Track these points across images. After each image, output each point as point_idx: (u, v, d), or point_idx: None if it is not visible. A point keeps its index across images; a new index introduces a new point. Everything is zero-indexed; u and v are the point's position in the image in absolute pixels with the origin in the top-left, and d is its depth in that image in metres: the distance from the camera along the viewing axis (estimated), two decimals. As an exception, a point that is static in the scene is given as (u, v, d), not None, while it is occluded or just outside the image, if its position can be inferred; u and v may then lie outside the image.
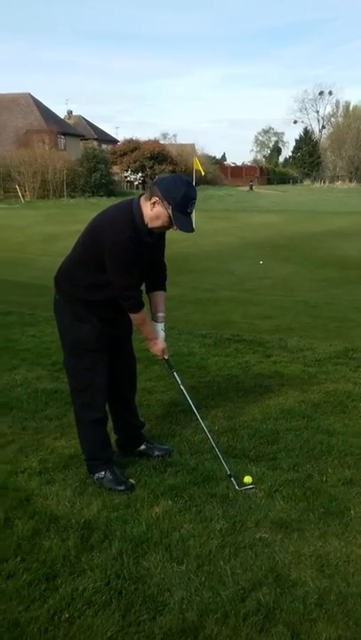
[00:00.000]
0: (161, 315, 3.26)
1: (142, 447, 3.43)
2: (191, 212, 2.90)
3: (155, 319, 3.23)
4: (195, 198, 2.88)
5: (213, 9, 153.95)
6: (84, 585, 2.33)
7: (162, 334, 3.22)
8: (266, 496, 2.96)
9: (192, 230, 2.89)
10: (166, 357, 3.24)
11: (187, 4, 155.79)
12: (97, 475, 3.12)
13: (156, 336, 3.19)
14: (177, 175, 3.08)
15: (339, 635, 2.08)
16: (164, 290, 3.33)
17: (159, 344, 3.19)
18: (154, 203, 2.84)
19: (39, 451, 3.50)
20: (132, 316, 3.05)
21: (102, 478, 3.10)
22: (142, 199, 2.92)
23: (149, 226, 2.90)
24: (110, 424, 3.39)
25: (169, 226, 2.90)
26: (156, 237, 3.01)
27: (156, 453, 3.40)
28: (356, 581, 2.35)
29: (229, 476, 3.07)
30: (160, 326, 3.23)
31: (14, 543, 2.60)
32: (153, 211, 2.86)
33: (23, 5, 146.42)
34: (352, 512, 2.82)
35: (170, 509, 2.85)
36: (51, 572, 2.42)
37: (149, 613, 2.19)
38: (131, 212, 2.90)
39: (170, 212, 2.81)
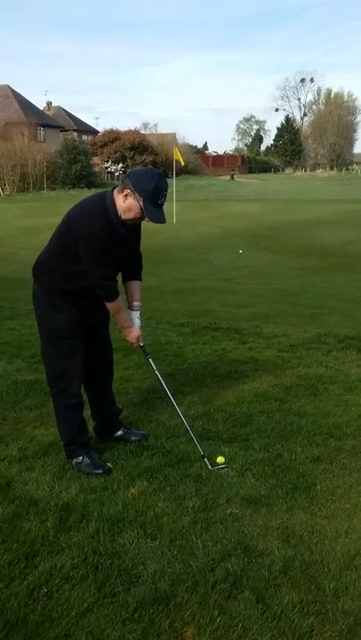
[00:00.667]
0: (137, 304, 3.36)
1: (120, 433, 3.55)
2: (162, 204, 2.99)
3: (130, 308, 3.34)
4: (165, 190, 2.97)
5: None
6: (61, 562, 2.44)
7: (137, 322, 3.33)
8: (237, 474, 3.10)
9: (163, 221, 2.99)
10: (141, 344, 3.35)
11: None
12: (75, 460, 3.23)
13: (132, 324, 3.29)
14: (148, 168, 3.18)
15: (301, 598, 2.22)
16: (140, 279, 3.43)
17: (134, 332, 3.30)
18: (126, 195, 2.94)
19: (19, 439, 3.59)
20: (108, 305, 3.16)
21: (80, 463, 3.21)
22: (115, 191, 3.01)
23: (122, 217, 2.99)
24: (88, 411, 3.51)
25: (141, 217, 2.99)
26: (130, 228, 3.10)
27: (133, 438, 3.52)
28: (320, 550, 2.50)
29: (203, 456, 3.20)
30: (136, 314, 3.34)
31: (-5, 526, 2.71)
32: (125, 203, 2.95)
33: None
34: (318, 487, 2.97)
35: (145, 490, 2.97)
36: (30, 551, 2.53)
37: (124, 585, 2.31)
38: (104, 204, 3.00)
39: (141, 203, 2.91)
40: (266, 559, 2.44)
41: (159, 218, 2.97)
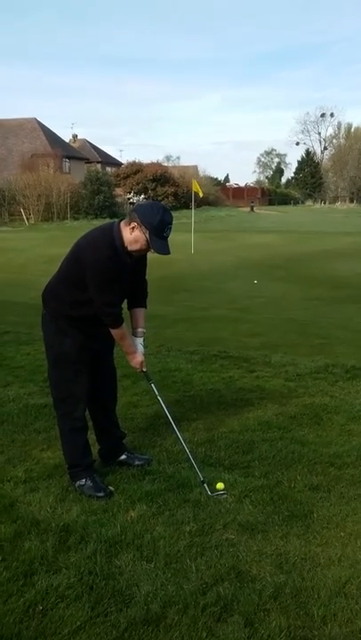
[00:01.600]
0: (140, 330, 3.48)
1: (123, 457, 3.62)
2: (167, 236, 3.13)
3: (134, 334, 3.45)
4: (170, 223, 3.12)
5: (218, 33, 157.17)
6: (58, 581, 2.51)
7: (140, 348, 3.44)
8: (236, 501, 3.15)
9: (168, 252, 3.12)
10: (144, 370, 3.45)
11: (192, 29, 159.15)
12: (78, 482, 3.31)
13: (135, 350, 3.40)
14: (154, 202, 3.35)
15: (290, 623, 2.24)
16: (144, 307, 3.54)
17: (138, 357, 3.41)
18: (133, 227, 3.09)
19: (26, 461, 3.69)
20: (113, 332, 3.27)
21: (83, 485, 3.28)
22: (122, 223, 3.16)
23: (129, 249, 3.13)
24: (93, 435, 3.60)
25: (147, 249, 3.14)
26: (136, 258, 3.24)
27: (137, 463, 3.59)
28: (311, 576, 2.52)
29: (203, 482, 3.25)
30: (139, 341, 3.45)
31: (-4, 544, 2.79)
32: (132, 235, 3.10)
33: (29, 31, 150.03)
34: (315, 515, 3.00)
35: (144, 513, 3.03)
36: (29, 569, 2.60)
37: (117, 605, 2.36)
38: (111, 235, 3.15)
39: (147, 236, 3.06)
40: (258, 584, 2.47)
41: (164, 250, 3.11)
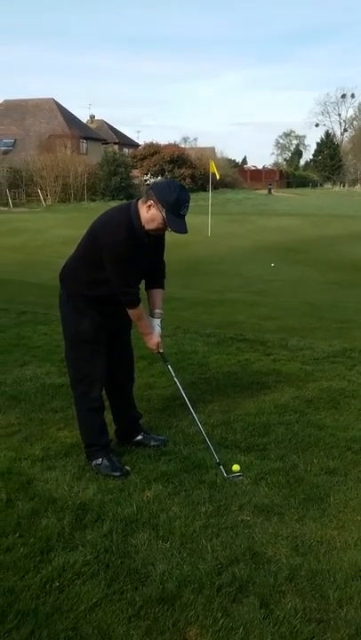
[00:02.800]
0: (158, 311, 3.46)
1: (139, 437, 3.63)
2: (185, 215, 3.09)
3: (151, 315, 3.44)
4: (187, 201, 3.07)
5: (239, 12, 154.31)
6: (75, 558, 2.53)
7: (158, 329, 3.42)
8: (252, 483, 3.14)
9: (185, 231, 3.07)
10: (161, 351, 3.44)
11: (213, 7, 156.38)
12: (95, 461, 3.33)
13: (152, 331, 3.38)
14: (170, 180, 3.30)
15: (305, 605, 2.24)
16: (162, 288, 3.52)
17: (154, 338, 3.39)
18: (149, 206, 3.05)
19: (43, 440, 3.72)
20: (130, 312, 3.26)
21: (100, 465, 3.30)
22: (140, 202, 3.13)
23: (146, 228, 3.10)
24: (110, 415, 3.61)
25: (164, 227, 3.10)
26: (153, 238, 3.21)
27: (153, 443, 3.60)
28: (327, 559, 2.52)
29: (218, 464, 3.25)
30: (156, 322, 3.43)
31: (14, 521, 2.82)
32: (148, 213, 3.06)
33: (47, 10, 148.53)
34: (331, 498, 2.99)
35: (160, 493, 3.04)
36: (46, 546, 2.63)
37: (132, 584, 2.38)
38: (128, 214, 3.12)
39: (164, 214, 3.02)
40: (273, 566, 2.47)
41: (181, 228, 3.07)
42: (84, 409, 3.37)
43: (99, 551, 2.58)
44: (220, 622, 2.15)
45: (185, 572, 2.44)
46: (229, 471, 3.22)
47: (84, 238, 3.27)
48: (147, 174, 43.83)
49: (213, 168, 18.51)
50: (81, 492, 3.08)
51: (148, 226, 3.09)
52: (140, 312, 3.27)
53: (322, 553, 2.56)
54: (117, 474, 3.24)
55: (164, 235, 3.31)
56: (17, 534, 2.71)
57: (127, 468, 3.31)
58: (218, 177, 19.14)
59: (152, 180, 42.86)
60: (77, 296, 3.28)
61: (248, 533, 2.71)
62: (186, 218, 3.10)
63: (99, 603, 2.28)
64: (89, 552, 2.57)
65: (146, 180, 43.42)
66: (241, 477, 3.19)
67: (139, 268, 3.21)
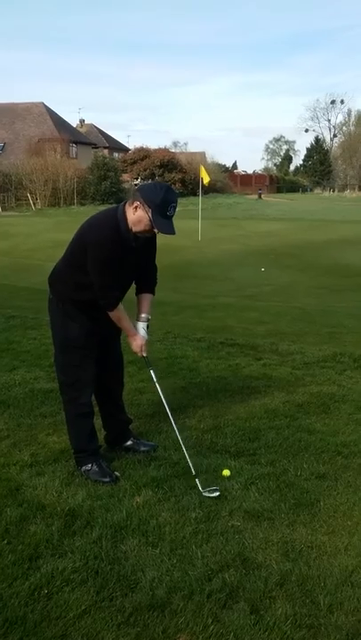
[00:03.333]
0: (144, 315, 3.41)
1: (129, 443, 3.61)
2: (171, 216, 3.04)
3: (137, 319, 3.39)
4: (174, 202, 3.04)
5: (230, 18, 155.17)
6: (63, 565, 2.51)
7: (142, 332, 3.37)
8: (242, 488, 3.13)
9: (173, 232, 3.04)
10: (145, 354, 3.39)
11: (202, 14, 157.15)
12: (84, 467, 3.30)
13: (136, 332, 3.33)
14: (157, 182, 3.28)
15: (295, 611, 2.24)
16: (152, 293, 3.48)
17: (138, 340, 3.33)
18: (136, 207, 3.02)
19: (32, 445, 3.68)
20: (110, 315, 3.20)
21: (89, 470, 3.28)
22: (127, 205, 3.11)
23: (133, 230, 3.07)
24: (100, 420, 3.59)
25: (150, 229, 3.05)
26: (143, 242, 3.19)
27: (142, 449, 3.58)
28: (318, 565, 2.51)
29: (195, 476, 3.15)
30: (142, 325, 3.38)
31: (2, 528, 2.79)
32: (135, 215, 3.03)
33: (37, 14, 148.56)
34: (321, 503, 2.99)
35: (150, 499, 3.02)
36: (34, 553, 2.60)
37: (122, 590, 2.36)
38: (115, 217, 3.10)
39: (150, 215, 2.98)
40: (263, 572, 2.46)
41: (168, 229, 3.03)
42: (73, 414, 3.35)
43: (88, 558, 2.56)
44: (211, 629, 2.14)
45: (175, 578, 2.42)
46: (206, 485, 3.11)
47: (72, 242, 3.25)
48: (137, 178, 43.84)
49: (203, 173, 18.55)
50: (70, 497, 3.06)
51: (136, 228, 3.06)
52: (118, 314, 3.21)
53: (312, 558, 2.56)
54: (107, 480, 3.22)
55: (155, 239, 3.29)
56: (5, 541, 2.69)
57: (117, 473, 3.29)
58: (206, 182, 19.13)
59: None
60: (66, 300, 3.26)
61: (238, 539, 2.70)
62: (173, 220, 3.06)
63: (88, 610, 2.26)
64: (78, 559, 2.55)
65: (136, 185, 43.46)
66: (217, 494, 3.04)
67: (123, 272, 3.17)
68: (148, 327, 3.42)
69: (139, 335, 3.35)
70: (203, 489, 3.08)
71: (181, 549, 2.62)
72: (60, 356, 3.34)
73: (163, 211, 2.98)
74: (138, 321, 3.39)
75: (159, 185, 3.09)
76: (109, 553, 2.59)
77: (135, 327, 3.35)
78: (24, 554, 2.59)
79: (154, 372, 3.44)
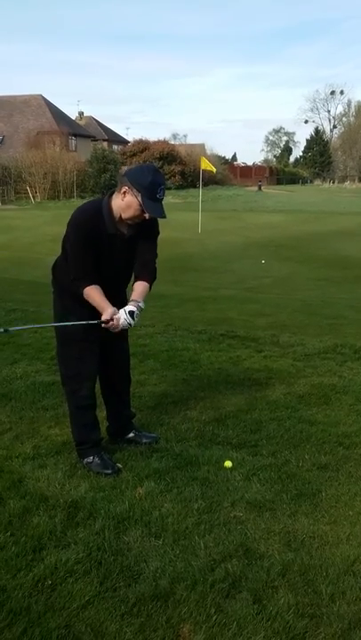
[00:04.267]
0: (133, 301, 3.17)
1: (131, 435, 3.62)
2: (161, 199, 2.99)
3: (128, 304, 3.17)
4: (163, 184, 3.00)
5: (228, 10, 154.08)
6: (67, 556, 2.52)
7: (123, 315, 3.09)
8: (244, 479, 3.14)
9: (163, 215, 2.98)
10: (116, 326, 3.08)
11: (201, 6, 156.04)
12: (86, 459, 3.31)
13: (108, 306, 3.07)
14: (144, 164, 3.23)
15: (298, 600, 2.25)
16: (146, 281, 3.24)
17: (109, 310, 3.06)
18: (124, 192, 2.97)
19: (34, 438, 3.69)
20: (83, 295, 3.08)
21: (91, 463, 3.29)
22: (114, 194, 3.06)
23: (123, 216, 3.01)
24: (103, 412, 3.59)
25: (141, 214, 2.98)
26: (134, 231, 3.09)
27: (144, 440, 3.59)
28: (320, 554, 2.52)
29: None
30: (126, 308, 3.11)
31: (5, 520, 2.80)
32: (124, 200, 2.97)
33: (36, 6, 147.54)
34: (323, 494, 3.00)
35: (152, 490, 3.03)
36: (37, 545, 2.61)
37: (125, 581, 2.37)
38: (100, 204, 3.07)
39: (140, 199, 2.93)
40: (266, 562, 2.47)
41: (158, 212, 2.98)
42: (73, 406, 3.35)
43: (91, 549, 2.57)
44: (214, 618, 2.15)
45: (178, 568, 2.43)
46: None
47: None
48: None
49: (206, 164, 18.46)
50: (73, 489, 3.07)
51: (125, 214, 2.99)
52: (88, 292, 3.06)
53: (314, 548, 2.57)
54: (109, 472, 3.22)
55: (153, 228, 3.20)
56: (8, 533, 2.69)
57: (119, 465, 3.30)
58: (214, 171, 18.99)
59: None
60: (66, 293, 3.25)
61: (241, 529, 2.71)
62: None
63: (91, 600, 2.27)
64: (81, 550, 2.56)
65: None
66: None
67: (105, 260, 3.07)
68: (135, 314, 3.12)
69: (111, 309, 3.07)
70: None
71: (184, 540, 2.64)
72: (62, 349, 3.35)
73: (152, 194, 2.93)
74: (125, 305, 3.16)
75: (146, 167, 3.05)
76: (112, 544, 2.60)
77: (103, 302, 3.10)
78: (27, 546, 2.60)
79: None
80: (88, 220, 3.02)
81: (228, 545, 2.59)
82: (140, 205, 2.94)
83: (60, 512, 2.84)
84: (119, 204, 3.01)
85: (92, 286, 3.08)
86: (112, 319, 3.07)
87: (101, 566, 2.46)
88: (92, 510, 2.87)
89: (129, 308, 3.12)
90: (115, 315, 3.08)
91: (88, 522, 2.78)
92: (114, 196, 3.06)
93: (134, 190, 2.93)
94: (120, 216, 3.04)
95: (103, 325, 3.12)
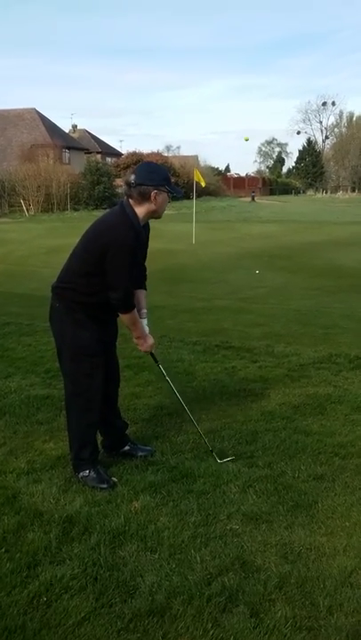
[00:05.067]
0: (144, 311, 3.45)
1: (126, 448, 3.60)
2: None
3: (139, 316, 3.38)
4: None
5: (221, 22, 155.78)
6: (62, 572, 2.50)
7: (147, 329, 3.42)
8: (240, 491, 3.13)
9: (181, 193, 3.41)
10: (153, 352, 3.48)
11: (193, 18, 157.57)
12: (82, 473, 3.29)
13: (146, 333, 3.38)
14: (143, 164, 3.31)
15: (295, 613, 2.23)
16: (145, 289, 3.51)
17: (149, 341, 3.39)
18: (154, 197, 3.10)
19: (28, 452, 3.67)
20: (125, 317, 3.23)
21: (87, 477, 3.27)
22: (132, 202, 3.14)
23: (157, 215, 3.21)
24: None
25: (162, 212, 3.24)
26: (146, 234, 3.29)
27: (140, 454, 3.57)
28: (316, 566, 2.51)
29: (211, 451, 3.42)
30: (144, 322, 3.43)
31: (0, 536, 2.78)
32: (157, 202, 3.13)
33: (28, 20, 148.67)
34: (319, 505, 2.99)
35: (148, 504, 3.02)
36: (32, 561, 2.59)
37: (121, 596, 2.35)
38: (127, 215, 3.13)
39: (167, 189, 3.15)
40: (262, 574, 2.46)
41: (180, 191, 3.37)
42: (81, 424, 3.32)
43: (86, 564, 2.55)
44: (211, 633, 2.14)
45: (174, 582, 2.42)
46: (223, 456, 3.40)
47: (82, 247, 3.23)
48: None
49: (198, 176, 18.56)
50: (67, 504, 3.05)
51: (160, 212, 3.20)
52: (134, 316, 3.26)
53: (311, 560, 2.56)
54: (104, 486, 3.21)
55: (147, 237, 3.35)
56: (3, 549, 2.67)
57: (114, 479, 3.28)
58: (203, 184, 19.14)
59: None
60: (76, 307, 3.23)
61: (237, 542, 2.69)
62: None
63: (87, 617, 2.25)
64: (76, 565, 2.54)
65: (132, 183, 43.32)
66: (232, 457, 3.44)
67: (136, 269, 3.25)
68: (148, 322, 3.47)
69: (149, 336, 3.39)
70: (220, 459, 3.37)
71: (180, 554, 2.62)
72: (72, 365, 3.29)
73: (169, 180, 3.20)
74: (140, 318, 3.38)
75: (148, 166, 3.29)
76: (108, 559, 2.59)
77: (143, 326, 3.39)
78: (22, 562, 2.58)
79: (162, 366, 3.58)
80: (133, 237, 3.09)
81: (225, 558, 2.58)
82: (169, 196, 3.18)
83: (54, 527, 2.82)
84: (151, 208, 3.15)
85: (135, 310, 3.26)
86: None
87: (97, 582, 2.44)
88: (87, 525, 2.85)
89: (145, 321, 3.42)
90: (152, 340, 3.43)
91: (83, 537, 2.76)
92: (132, 204, 3.14)
93: (162, 188, 3.11)
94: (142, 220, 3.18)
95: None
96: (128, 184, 3.12)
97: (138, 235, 3.11)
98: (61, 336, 3.31)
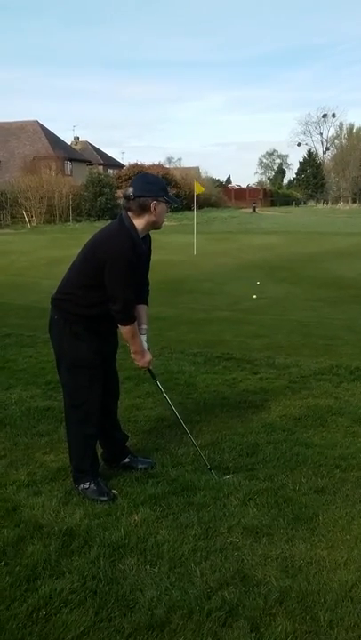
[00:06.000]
0: (144, 327, 3.44)
1: (127, 460, 3.60)
2: None
3: (139, 331, 3.38)
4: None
5: (222, 35, 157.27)
6: (61, 586, 2.49)
7: (146, 345, 3.42)
8: (240, 504, 3.12)
9: (178, 202, 3.52)
10: (150, 368, 3.47)
11: (196, 31, 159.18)
12: (82, 486, 3.28)
13: (144, 348, 3.38)
14: (140, 175, 3.32)
15: (296, 628, 2.22)
16: (147, 304, 3.52)
17: (147, 356, 3.39)
18: (153, 208, 3.12)
19: (29, 465, 3.66)
20: (124, 329, 3.23)
21: (87, 489, 3.26)
22: (131, 215, 3.15)
23: (157, 226, 3.23)
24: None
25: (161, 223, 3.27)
26: (147, 246, 3.29)
27: (140, 466, 3.57)
28: (317, 580, 2.50)
29: (210, 469, 3.36)
30: (144, 338, 3.42)
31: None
32: (156, 213, 3.15)
33: (31, 33, 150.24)
34: (320, 518, 2.97)
35: (148, 517, 3.01)
36: (32, 574, 2.58)
37: (120, 610, 2.34)
38: (125, 227, 3.14)
39: (165, 199, 3.17)
40: (263, 588, 2.45)
41: (177, 200, 3.42)
42: (80, 436, 3.31)
43: (86, 578, 2.54)
44: (211, 648, 2.12)
45: (174, 597, 2.40)
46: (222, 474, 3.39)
47: (80, 258, 3.25)
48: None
49: (197, 187, 18.66)
50: (67, 517, 3.04)
51: (159, 222, 3.22)
52: (134, 329, 3.26)
53: (312, 574, 2.54)
54: (105, 498, 3.20)
55: (150, 250, 3.34)
56: (2, 562, 2.67)
57: (114, 492, 3.27)
58: (197, 192, 19.12)
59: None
60: (74, 319, 3.24)
61: (237, 556, 2.68)
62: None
63: (86, 631, 2.24)
64: (76, 579, 2.53)
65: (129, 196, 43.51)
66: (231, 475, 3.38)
67: (136, 281, 3.23)
68: (147, 339, 3.47)
69: (147, 351, 3.39)
70: (218, 477, 3.35)
71: (180, 567, 2.61)
72: (70, 378, 3.30)
73: (166, 190, 3.22)
74: (140, 334, 3.37)
75: (145, 177, 3.28)
76: (108, 572, 2.57)
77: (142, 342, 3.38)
78: (21, 575, 2.57)
79: (160, 383, 3.56)
80: (131, 248, 3.09)
81: (225, 572, 2.56)
82: (168, 207, 3.21)
83: (54, 540, 2.82)
84: (151, 219, 3.17)
85: (135, 324, 3.26)
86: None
87: (96, 595, 2.43)
88: (87, 538, 2.84)
89: (144, 337, 3.41)
90: (150, 356, 3.43)
91: (83, 550, 2.75)
92: (131, 217, 3.15)
93: (160, 198, 3.14)
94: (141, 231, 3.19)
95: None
96: (127, 197, 3.14)
97: (136, 246, 3.12)
98: (60, 348, 3.32)
